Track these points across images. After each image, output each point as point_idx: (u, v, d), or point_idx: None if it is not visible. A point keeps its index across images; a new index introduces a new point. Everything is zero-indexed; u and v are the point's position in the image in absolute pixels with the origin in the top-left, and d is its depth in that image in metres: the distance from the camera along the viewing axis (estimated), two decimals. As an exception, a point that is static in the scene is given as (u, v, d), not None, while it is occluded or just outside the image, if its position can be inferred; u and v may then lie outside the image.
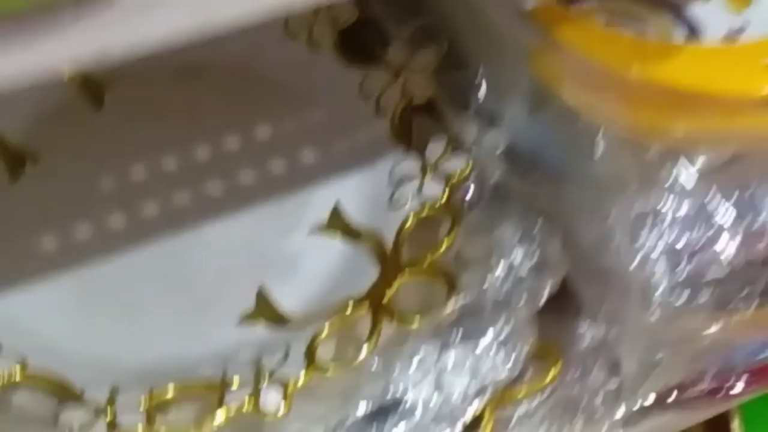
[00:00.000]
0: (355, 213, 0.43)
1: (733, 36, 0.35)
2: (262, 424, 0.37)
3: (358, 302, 0.39)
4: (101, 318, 0.40)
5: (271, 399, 0.36)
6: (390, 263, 0.40)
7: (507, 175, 0.40)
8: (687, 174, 0.36)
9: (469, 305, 0.38)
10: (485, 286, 0.39)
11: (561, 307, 0.41)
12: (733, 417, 0.61)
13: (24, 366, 0.37)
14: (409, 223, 0.41)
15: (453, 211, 0.41)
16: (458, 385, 0.38)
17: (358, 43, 0.46)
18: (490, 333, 0.38)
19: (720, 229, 0.36)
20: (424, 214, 0.41)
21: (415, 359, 0.38)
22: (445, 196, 0.41)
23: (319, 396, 0.37)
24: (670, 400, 0.45)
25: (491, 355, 0.38)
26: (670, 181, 0.36)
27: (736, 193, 0.37)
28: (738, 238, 0.36)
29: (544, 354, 0.41)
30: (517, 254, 0.39)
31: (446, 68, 0.43)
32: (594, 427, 0.43)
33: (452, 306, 0.38)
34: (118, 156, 0.44)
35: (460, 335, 0.38)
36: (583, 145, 0.37)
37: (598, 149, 0.36)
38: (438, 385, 0.37)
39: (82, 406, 0.36)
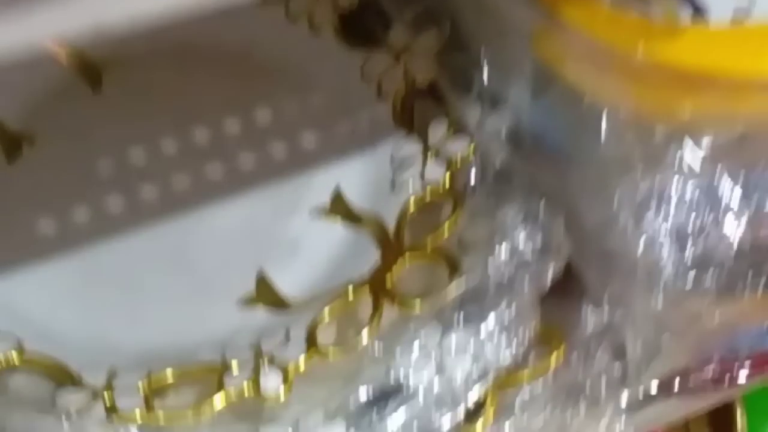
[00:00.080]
0: (356, 197, 0.43)
1: (740, 16, 0.35)
2: (262, 408, 0.37)
3: (359, 286, 0.39)
4: (99, 301, 0.40)
5: (272, 383, 0.36)
6: (391, 247, 0.40)
7: (510, 158, 0.40)
8: (693, 155, 0.35)
9: (471, 289, 0.38)
10: (488, 269, 0.38)
11: (564, 290, 0.40)
12: (736, 408, 0.61)
13: (21, 350, 0.37)
14: (410, 207, 0.41)
15: (455, 194, 0.41)
16: (460, 369, 0.37)
17: (360, 25, 0.46)
18: (493, 317, 0.38)
19: (726, 211, 0.36)
20: (426, 198, 0.41)
21: (417, 343, 0.37)
22: (447, 180, 0.41)
23: (320, 380, 0.37)
24: (673, 387, 0.45)
25: (494, 339, 0.38)
26: (676, 162, 0.35)
27: (743, 174, 0.36)
28: (744, 220, 0.36)
29: (547, 338, 0.40)
30: (520, 237, 0.39)
31: (448, 50, 0.43)
32: (597, 412, 0.43)
33: (454, 290, 0.38)
34: (117, 139, 0.44)
35: (462, 319, 0.38)
36: (588, 126, 0.36)
37: (602, 131, 0.36)
38: (440, 370, 0.37)
39: (80, 389, 0.36)
